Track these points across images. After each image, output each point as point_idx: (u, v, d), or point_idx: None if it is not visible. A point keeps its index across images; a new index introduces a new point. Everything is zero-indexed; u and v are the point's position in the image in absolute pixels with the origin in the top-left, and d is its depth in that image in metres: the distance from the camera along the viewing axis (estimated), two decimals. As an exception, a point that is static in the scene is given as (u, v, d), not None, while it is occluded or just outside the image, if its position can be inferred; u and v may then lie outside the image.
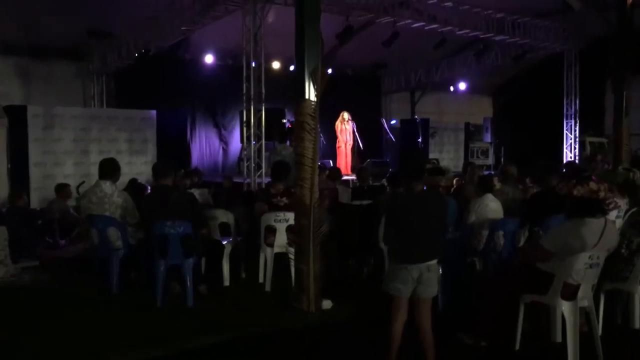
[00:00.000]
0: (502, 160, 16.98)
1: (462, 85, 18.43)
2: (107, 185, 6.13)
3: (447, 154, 17.74)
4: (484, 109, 19.98)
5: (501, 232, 5.92)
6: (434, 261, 4.04)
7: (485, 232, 5.95)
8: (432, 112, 18.36)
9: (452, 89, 18.70)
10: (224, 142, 15.50)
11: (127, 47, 12.39)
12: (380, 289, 4.11)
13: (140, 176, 11.53)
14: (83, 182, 9.33)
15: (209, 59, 14.38)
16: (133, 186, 8.63)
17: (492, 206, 6.14)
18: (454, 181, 9.30)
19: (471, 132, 18.19)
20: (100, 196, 6.09)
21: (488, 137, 17.75)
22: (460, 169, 12.73)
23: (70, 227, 8.52)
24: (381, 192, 7.88)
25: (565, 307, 4.24)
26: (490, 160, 17.60)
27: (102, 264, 6.23)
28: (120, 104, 13.46)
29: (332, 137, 14.23)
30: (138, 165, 12.34)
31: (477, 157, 17.74)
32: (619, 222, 5.59)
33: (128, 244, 6.12)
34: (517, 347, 4.44)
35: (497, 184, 7.07)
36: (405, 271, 3.98)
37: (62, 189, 9.02)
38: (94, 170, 6.85)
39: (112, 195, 6.12)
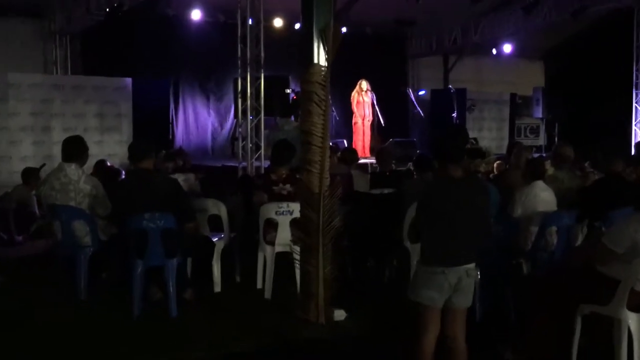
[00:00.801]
0: (555, 139, 16.86)
1: (507, 48, 18.28)
2: (72, 169, 6.15)
3: (488, 132, 17.65)
4: (534, 77, 19.82)
5: (554, 228, 5.89)
6: (473, 264, 4.03)
7: (535, 228, 5.93)
8: (470, 81, 18.24)
9: (494, 52, 18.55)
10: (215, 117, 15.52)
11: (97, 0, 12.39)
12: (405, 297, 4.11)
13: (112, 158, 11.60)
14: (44, 165, 9.39)
15: (195, 15, 14.36)
16: (103, 170, 8.67)
17: (543, 196, 6.12)
18: (496, 165, 9.27)
19: (518, 106, 18.05)
20: (64, 182, 6.11)
21: (539, 112, 17.60)
22: (503, 150, 12.66)
23: (29, 221, 8.59)
24: (406, 178, 7.86)
25: (632, 320, 4.23)
26: (541, 140, 17.49)
27: (67, 264, 6.27)
28: (88, 70, 13.50)
29: (346, 111, 14.20)
30: (110, 145, 12.41)
31: (525, 136, 17.63)
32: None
33: (98, 241, 6.15)
34: (572, 367, 4.44)
35: (550, 169, 7.04)
36: (441, 276, 3.97)
37: (30, 175, 8.98)
38: (57, 151, 6.87)
39: (79, 182, 6.14)
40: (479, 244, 4.09)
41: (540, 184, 6.19)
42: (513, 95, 17.95)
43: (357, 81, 13.81)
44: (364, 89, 13.63)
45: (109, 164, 9.54)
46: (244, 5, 10.58)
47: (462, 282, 4.00)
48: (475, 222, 4.02)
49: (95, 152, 10.93)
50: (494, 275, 5.41)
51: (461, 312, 4.07)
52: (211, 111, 15.48)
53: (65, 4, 13.13)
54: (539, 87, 18.03)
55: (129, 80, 12.78)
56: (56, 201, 6.13)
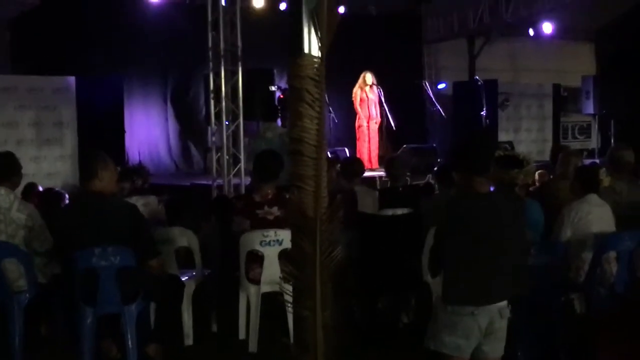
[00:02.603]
0: (611, 141, 16.91)
1: (547, 27, 18.35)
2: (1, 195, 6.14)
3: (527, 134, 17.69)
4: (583, 63, 19.91)
5: (613, 254, 5.92)
6: (505, 302, 4.03)
7: (589, 255, 5.94)
8: (502, 70, 18.32)
9: (531, 33, 18.63)
10: (181, 123, 15.55)
11: (30, -21, 12.46)
12: (425, 346, 4.10)
13: (53, 178, 11.60)
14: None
15: (155, -6, 14.43)
16: (36, 194, 8.64)
17: (597, 213, 6.13)
18: (537, 176, 9.29)
19: (563, 100, 18.12)
20: (-9, 211, 6.11)
21: (590, 107, 17.66)
22: (546, 156, 12.68)
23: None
24: (425, 194, 7.87)
25: None
26: (593, 143, 17.54)
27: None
28: (21, 68, 13.52)
29: (348, 112, 14.25)
30: (50, 162, 12.41)
31: (574, 137, 17.68)
32: None
33: (35, 284, 6.12)
34: None
35: (606, 179, 7.04)
36: (469, 318, 3.97)
37: None
38: (-18, 171, 6.86)
39: (10, 210, 6.13)
40: (515, 277, 4.09)
41: (594, 198, 6.20)
42: (557, 87, 18.01)
43: (361, 74, 13.87)
44: (369, 83, 13.67)
45: (41, 187, 9.46)
46: (216, -19, 10.63)
47: (495, 324, 4.00)
48: (508, 248, 4.03)
49: (31, 171, 10.94)
50: (539, 316, 5.41)
51: (494, 364, 4.08)
52: (175, 116, 15.50)
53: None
54: (589, 76, 18.09)
55: (71, 80, 12.80)
56: (-19, 235, 6.12)
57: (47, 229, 6.17)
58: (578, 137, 17.75)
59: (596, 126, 17.67)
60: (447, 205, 4.58)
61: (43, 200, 8.15)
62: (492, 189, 4.25)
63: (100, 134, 12.47)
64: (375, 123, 13.77)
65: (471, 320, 3.98)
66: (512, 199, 4.44)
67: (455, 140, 4.69)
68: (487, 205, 4.05)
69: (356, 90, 13.72)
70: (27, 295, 6.09)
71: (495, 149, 4.55)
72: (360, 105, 13.71)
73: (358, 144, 13.87)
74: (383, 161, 11.96)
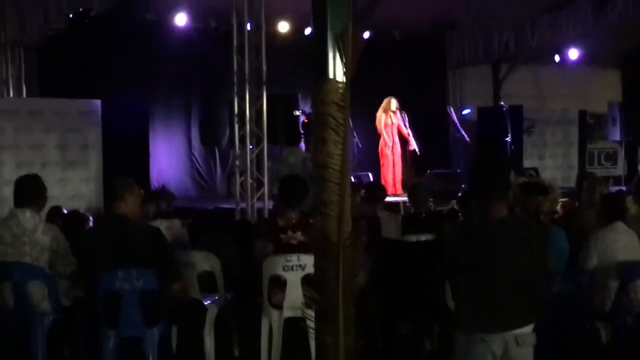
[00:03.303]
0: (638, 169, 16.80)
1: (573, 54, 18.33)
2: (26, 217, 6.18)
3: (552, 161, 17.58)
4: (610, 90, 19.82)
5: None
6: (527, 328, 4.00)
7: (615, 283, 5.90)
8: (528, 96, 18.26)
9: (557, 59, 18.60)
10: (205, 146, 15.62)
11: (57, 3, 12.55)
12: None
13: (78, 200, 11.66)
14: (-9, 211, 9.46)
15: (180, 20, 14.54)
16: (61, 217, 8.70)
17: (624, 242, 6.09)
18: (561, 203, 9.23)
19: (589, 126, 18.01)
20: (16, 234, 6.14)
21: (616, 134, 17.56)
22: (572, 183, 12.60)
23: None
24: (449, 220, 7.84)
25: None
26: (620, 170, 17.41)
27: (19, 336, 6.26)
28: (48, 91, 13.64)
29: (372, 136, 14.25)
30: (75, 184, 12.47)
31: (600, 164, 17.55)
32: None
33: (59, 306, 6.15)
34: None
35: (633, 207, 7.00)
36: (481, 345, 3.95)
37: None
38: (8, 193, 6.92)
39: (35, 232, 6.16)
40: (532, 302, 4.05)
41: (620, 226, 6.16)
42: (582, 113, 17.90)
43: (385, 99, 13.85)
44: (393, 108, 13.65)
45: (66, 210, 9.51)
46: (241, 6, 10.69)
47: (511, 352, 3.96)
48: (522, 274, 4.01)
49: (56, 193, 10.97)
50: (563, 345, 5.36)
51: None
52: (200, 139, 15.57)
53: (17, 9, 13.31)
54: (615, 103, 18.00)
55: (97, 103, 12.88)
56: (7, 257, 6.14)
57: (71, 252, 6.20)
58: (604, 164, 17.62)
59: (622, 153, 17.54)
60: (458, 229, 4.58)
61: (67, 223, 8.19)
62: (507, 214, 4.22)
63: (125, 156, 12.53)
64: (398, 149, 13.76)
65: (483, 347, 3.96)
66: (530, 225, 4.40)
67: (472, 165, 4.70)
68: (500, 230, 4.04)
69: (380, 115, 13.68)
70: (51, 317, 6.11)
71: (509, 172, 4.50)
72: (384, 130, 13.70)
73: (382, 169, 13.82)
74: (407, 186, 11.97)
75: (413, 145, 13.73)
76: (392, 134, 13.69)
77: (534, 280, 4.10)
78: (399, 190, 13.37)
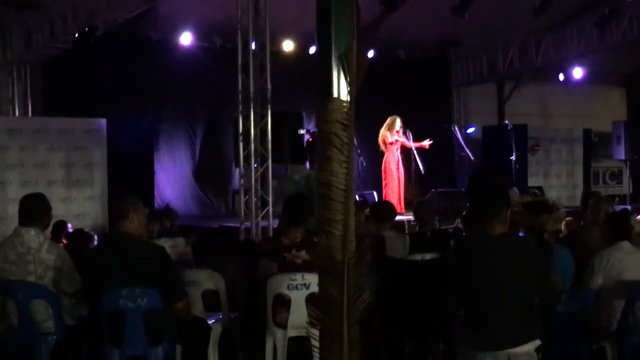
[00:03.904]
0: (644, 187, 16.81)
1: (577, 72, 18.36)
2: (31, 236, 6.19)
3: (557, 179, 17.60)
4: (614, 108, 19.86)
5: (646, 302, 5.83)
6: (524, 347, 3.99)
7: (621, 302, 5.87)
8: (532, 114, 18.31)
9: (561, 77, 18.64)
10: (209, 165, 15.63)
11: (63, 22, 12.63)
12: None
13: (82, 219, 11.68)
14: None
15: (185, 39, 14.62)
16: (66, 235, 8.71)
17: (629, 261, 6.07)
18: (565, 223, 9.22)
19: (594, 145, 18.04)
20: (21, 252, 6.14)
21: (621, 152, 17.58)
22: (577, 201, 12.60)
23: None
24: (454, 239, 7.83)
25: None
26: (625, 189, 17.41)
27: (23, 355, 6.26)
28: (53, 109, 13.71)
29: (376, 155, 14.26)
30: (79, 203, 12.50)
31: (605, 183, 17.58)
32: None
33: (63, 325, 6.14)
34: None
35: (638, 226, 6.98)
36: (474, 363, 3.97)
37: None
38: (13, 212, 6.94)
39: (40, 251, 6.16)
40: (528, 320, 4.05)
41: (625, 246, 6.14)
42: (587, 132, 17.94)
43: (389, 117, 13.82)
44: (397, 127, 13.62)
45: (70, 227, 9.54)
46: (246, 25, 10.73)
47: (508, 371, 3.96)
48: (516, 293, 4.01)
49: (61, 212, 11.02)
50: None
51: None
52: (204, 158, 15.59)
53: (24, 26, 13.38)
54: (620, 121, 18.05)
55: (102, 122, 12.95)
56: (11, 276, 6.14)
57: (76, 270, 6.20)
58: (609, 182, 17.65)
59: (627, 172, 17.55)
60: (455, 246, 4.59)
61: (72, 241, 8.21)
62: (520, 234, 4.24)
63: (130, 175, 12.58)
64: (402, 167, 13.73)
65: (476, 365, 3.98)
66: (527, 244, 4.40)
67: (468, 181, 4.72)
68: (495, 247, 4.04)
69: (385, 133, 13.65)
70: (55, 336, 6.10)
71: (505, 189, 4.50)
72: (387, 148, 13.68)
73: (385, 189, 13.78)
74: (411, 205, 11.95)
75: (418, 163, 13.72)
76: (397, 152, 13.69)
77: (530, 299, 4.09)
78: (402, 209, 13.35)
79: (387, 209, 8.81)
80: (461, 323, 4.09)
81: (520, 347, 4.00)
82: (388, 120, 13.66)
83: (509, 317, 3.99)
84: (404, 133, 13.68)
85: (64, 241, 8.52)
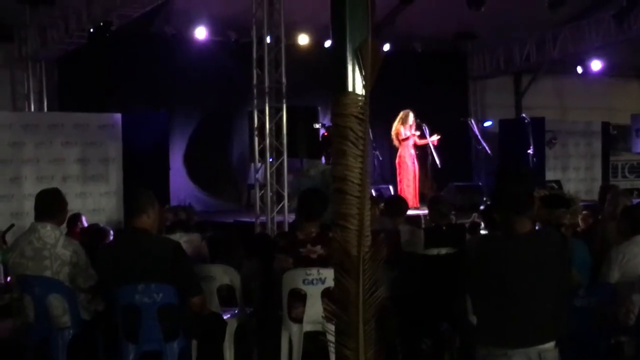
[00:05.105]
0: (663, 180, 16.72)
1: (595, 65, 18.27)
2: (47, 231, 6.21)
3: (575, 173, 17.53)
4: (633, 101, 19.74)
5: (664, 296, 5.80)
6: (551, 343, 3.98)
7: (638, 297, 5.84)
8: (550, 107, 18.23)
9: (579, 70, 18.54)
10: (225, 159, 15.65)
11: (78, 18, 12.67)
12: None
13: (98, 214, 11.73)
14: (12, 226, 9.52)
15: (200, 33, 14.64)
16: (81, 231, 8.73)
17: (647, 255, 6.04)
18: (582, 217, 9.18)
19: (613, 138, 17.96)
20: (37, 247, 6.17)
21: (640, 145, 17.54)
22: (595, 195, 12.55)
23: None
24: (472, 233, 7.82)
25: None
26: (644, 182, 17.33)
27: (40, 350, 6.29)
28: (68, 105, 13.76)
29: (392, 149, 14.24)
30: (95, 198, 12.55)
31: (623, 176, 17.48)
32: None
33: (79, 320, 6.16)
34: None
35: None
36: (502, 360, 3.94)
37: None
38: (29, 207, 6.97)
39: (56, 246, 6.18)
40: (556, 317, 4.04)
41: (643, 239, 6.11)
42: (606, 125, 17.85)
43: (403, 111, 13.72)
44: (410, 122, 13.48)
45: (85, 221, 9.55)
46: (260, 19, 10.72)
47: (535, 368, 3.95)
48: (545, 289, 3.99)
49: (77, 208, 11.03)
50: (588, 359, 5.32)
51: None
52: (219, 152, 15.61)
53: (39, 23, 13.43)
54: (638, 114, 17.94)
55: (117, 117, 12.98)
56: (27, 271, 6.17)
57: (91, 265, 6.23)
58: (628, 176, 17.55)
59: (646, 165, 17.48)
60: (480, 242, 4.56)
61: (88, 237, 8.24)
62: (533, 229, 4.21)
63: (145, 170, 12.60)
64: (418, 162, 13.67)
65: (504, 363, 3.95)
66: (555, 240, 4.38)
67: (495, 178, 4.70)
68: (523, 244, 4.02)
69: (398, 127, 13.52)
70: (71, 331, 6.13)
71: (533, 186, 4.49)
72: (402, 142, 13.58)
73: (400, 184, 13.68)
74: (425, 199, 11.92)
75: (434, 157, 13.66)
76: (412, 147, 13.61)
77: (558, 295, 4.08)
78: (417, 203, 13.31)
79: (399, 203, 8.81)
80: (485, 321, 4.05)
81: (549, 343, 3.99)
82: (401, 114, 13.54)
83: (539, 313, 3.98)
84: (420, 127, 13.62)
85: (79, 236, 8.55)
